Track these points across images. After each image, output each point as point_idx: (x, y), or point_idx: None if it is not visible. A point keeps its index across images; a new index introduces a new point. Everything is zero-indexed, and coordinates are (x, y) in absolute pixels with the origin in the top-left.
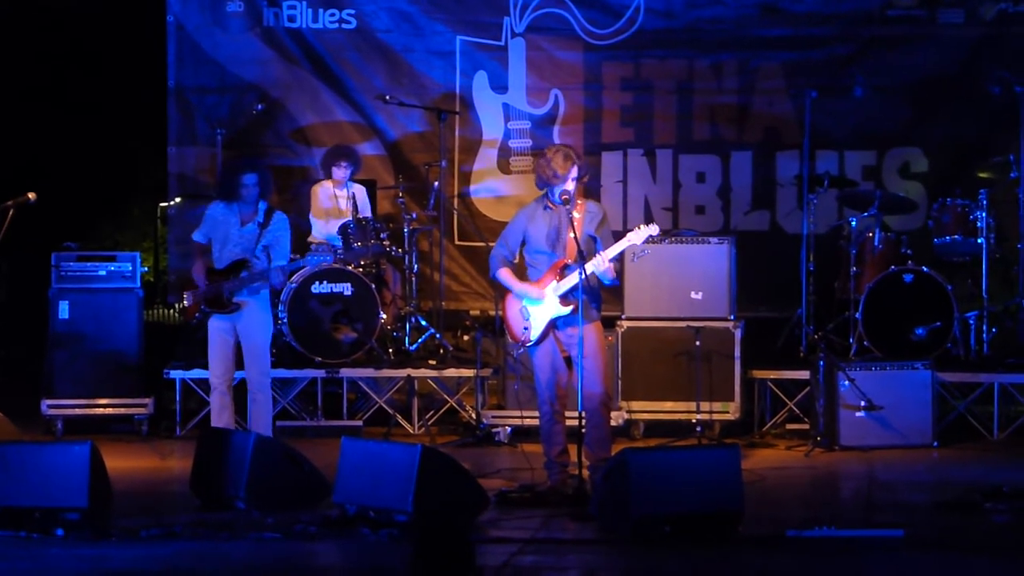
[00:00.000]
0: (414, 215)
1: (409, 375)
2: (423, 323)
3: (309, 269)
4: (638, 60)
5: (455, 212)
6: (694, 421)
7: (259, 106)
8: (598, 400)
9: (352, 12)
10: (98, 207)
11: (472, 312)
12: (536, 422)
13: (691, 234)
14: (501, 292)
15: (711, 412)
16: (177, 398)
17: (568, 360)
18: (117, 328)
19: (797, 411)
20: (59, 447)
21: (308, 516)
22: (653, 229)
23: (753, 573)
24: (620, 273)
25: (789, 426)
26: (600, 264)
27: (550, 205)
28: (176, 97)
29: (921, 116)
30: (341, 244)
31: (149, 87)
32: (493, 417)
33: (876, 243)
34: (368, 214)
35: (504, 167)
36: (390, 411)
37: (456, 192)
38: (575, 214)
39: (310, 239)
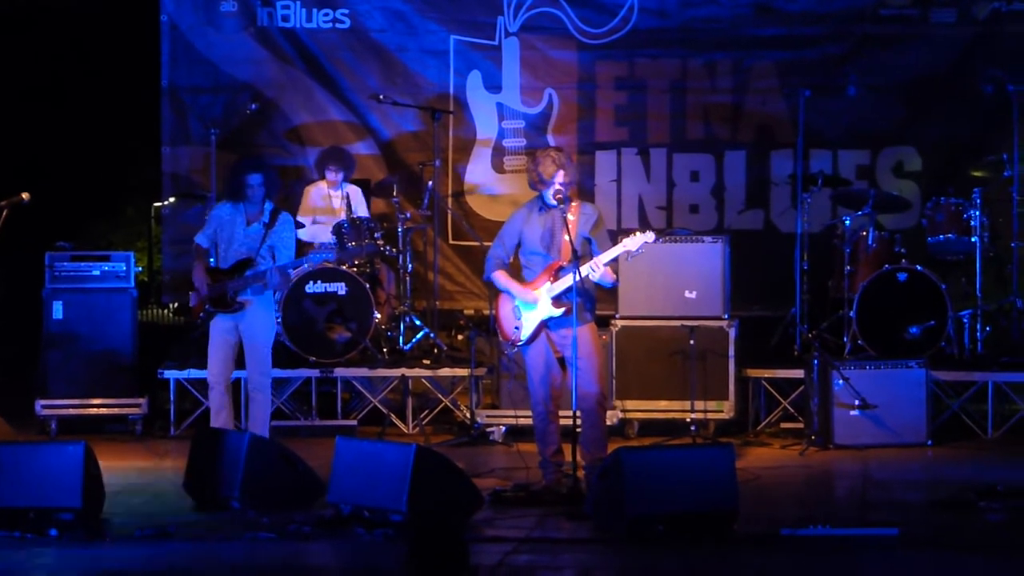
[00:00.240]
0: (408, 214)
1: (403, 375)
2: (417, 322)
3: (304, 269)
4: (632, 59)
5: (449, 211)
6: (688, 420)
7: (253, 106)
8: (594, 400)
9: (346, 12)
10: (91, 207)
11: (466, 311)
12: (530, 421)
13: (685, 233)
14: (495, 291)
15: (705, 411)
16: (171, 398)
17: (561, 361)
18: (111, 328)
19: (791, 410)
20: (53, 447)
21: (302, 516)
22: (649, 236)
23: (748, 572)
24: (616, 273)
25: (783, 425)
26: (595, 269)
27: (545, 206)
28: (170, 97)
29: (915, 115)
30: (336, 244)
31: (143, 87)
32: (487, 416)
33: (870, 242)
34: (363, 214)
35: (498, 166)
36: (384, 411)
37: (451, 191)
38: (569, 216)
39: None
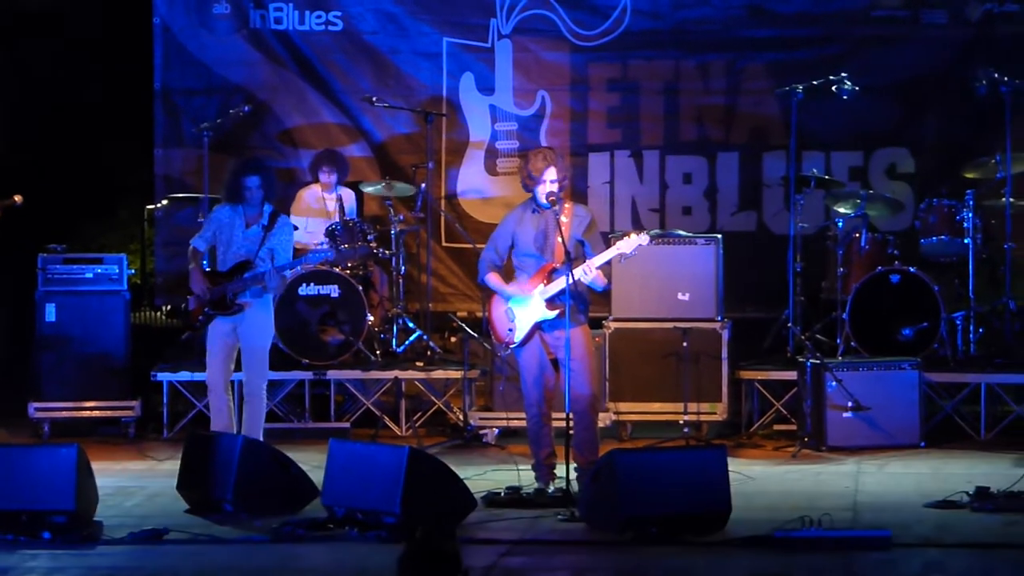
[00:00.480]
0: (401, 217)
1: (396, 377)
2: (410, 325)
3: (299, 272)
4: (625, 61)
5: (442, 214)
6: (682, 422)
7: (246, 108)
8: (586, 402)
9: (339, 14)
10: (84, 209)
11: (459, 313)
12: (523, 424)
13: (678, 235)
14: (488, 293)
15: (699, 413)
16: (164, 400)
17: (555, 363)
18: (104, 331)
19: (784, 412)
20: (46, 450)
21: (295, 519)
22: (643, 238)
23: (741, 574)
24: (608, 275)
25: (776, 427)
26: (587, 272)
27: (538, 208)
28: (162, 99)
29: (908, 116)
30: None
31: (136, 89)
32: (481, 419)
33: (863, 244)
34: (356, 216)
35: (491, 169)
36: (378, 413)
37: (444, 194)
38: (563, 218)
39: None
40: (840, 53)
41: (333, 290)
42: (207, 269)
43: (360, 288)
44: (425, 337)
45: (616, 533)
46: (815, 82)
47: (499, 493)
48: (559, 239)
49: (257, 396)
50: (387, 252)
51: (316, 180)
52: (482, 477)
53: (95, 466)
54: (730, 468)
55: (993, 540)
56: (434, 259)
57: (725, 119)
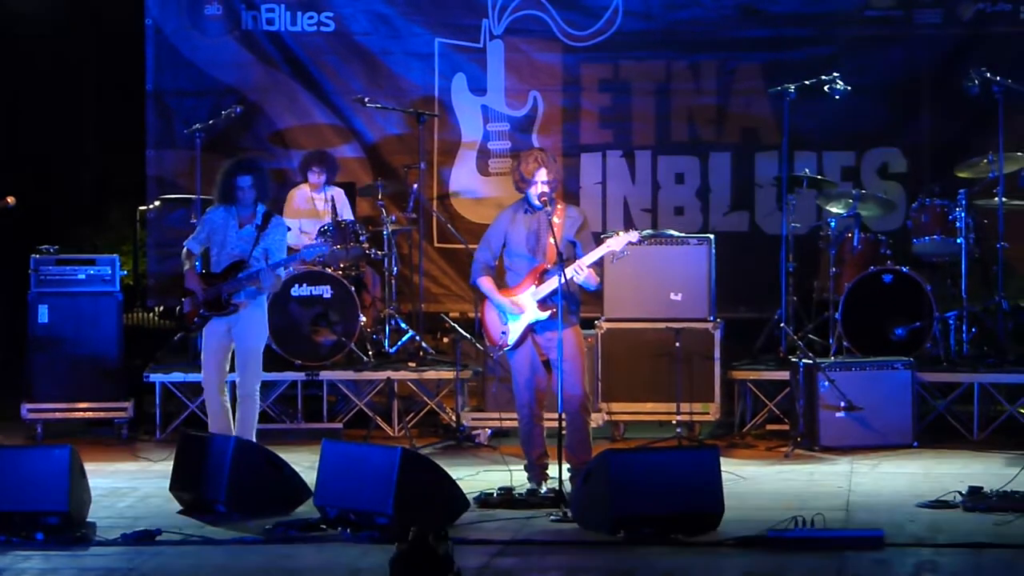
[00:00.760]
0: (393, 217)
1: (389, 377)
2: (403, 325)
3: (291, 271)
4: (616, 61)
5: (434, 214)
6: (674, 422)
7: (238, 109)
8: (578, 403)
9: (330, 15)
10: (76, 210)
11: (451, 314)
12: (516, 424)
13: (670, 235)
14: (480, 295)
15: (691, 413)
16: (157, 401)
17: (547, 363)
18: (97, 332)
19: (777, 412)
20: (39, 451)
21: (288, 519)
22: (632, 236)
23: (734, 574)
24: (600, 276)
25: (769, 427)
26: (579, 271)
27: (530, 209)
28: (154, 100)
29: (900, 116)
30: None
31: (127, 90)
32: (473, 419)
33: (855, 243)
34: (348, 217)
35: (483, 169)
36: (370, 413)
37: (436, 194)
38: (555, 219)
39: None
40: (832, 53)
41: (325, 291)
42: (201, 271)
43: (352, 289)
44: (417, 338)
45: (609, 533)
46: (807, 82)
47: (492, 494)
48: (551, 240)
49: (251, 397)
50: (379, 253)
51: (305, 180)
52: (474, 478)
53: (88, 467)
54: (723, 468)
55: (986, 540)
56: (426, 260)
57: (717, 119)
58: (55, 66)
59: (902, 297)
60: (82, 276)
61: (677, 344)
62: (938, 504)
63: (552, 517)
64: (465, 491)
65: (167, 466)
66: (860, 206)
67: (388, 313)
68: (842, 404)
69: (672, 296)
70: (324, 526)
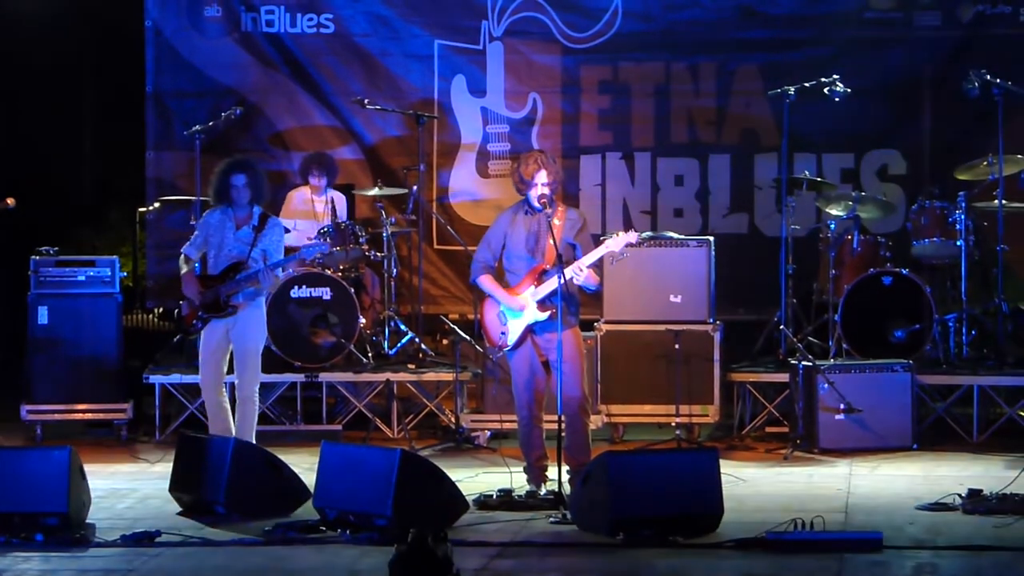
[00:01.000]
0: (393, 219)
1: (388, 379)
2: (402, 327)
3: (291, 272)
4: (616, 63)
5: (434, 216)
6: (673, 424)
7: (237, 110)
8: (577, 405)
9: (330, 16)
10: (75, 212)
11: (451, 316)
12: (515, 426)
13: (670, 237)
14: (480, 296)
15: (691, 415)
16: (156, 403)
17: (546, 365)
18: (96, 333)
19: (776, 414)
20: (38, 453)
21: (287, 521)
22: (632, 236)
23: (732, 575)
24: (600, 277)
25: (768, 429)
26: (578, 272)
27: (530, 210)
28: (154, 102)
29: (899, 118)
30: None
31: (127, 92)
32: (472, 421)
33: (855, 245)
34: (346, 220)
35: (483, 171)
36: (369, 415)
37: (435, 196)
38: (555, 220)
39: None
40: (831, 55)
41: (325, 292)
42: (198, 273)
43: (352, 291)
44: (417, 339)
45: (608, 535)
46: (807, 84)
47: (491, 495)
48: (551, 241)
49: (250, 399)
50: (379, 255)
51: (306, 182)
52: (474, 479)
53: (87, 468)
54: (722, 470)
55: (985, 542)
56: (425, 261)
57: (716, 121)
58: (55, 67)
59: (902, 299)
60: (82, 278)
61: (676, 346)
62: (937, 506)
63: (551, 519)
64: (464, 493)
65: (166, 467)
66: (860, 208)
67: (387, 315)
68: (841, 406)
69: (671, 298)
70: (323, 528)
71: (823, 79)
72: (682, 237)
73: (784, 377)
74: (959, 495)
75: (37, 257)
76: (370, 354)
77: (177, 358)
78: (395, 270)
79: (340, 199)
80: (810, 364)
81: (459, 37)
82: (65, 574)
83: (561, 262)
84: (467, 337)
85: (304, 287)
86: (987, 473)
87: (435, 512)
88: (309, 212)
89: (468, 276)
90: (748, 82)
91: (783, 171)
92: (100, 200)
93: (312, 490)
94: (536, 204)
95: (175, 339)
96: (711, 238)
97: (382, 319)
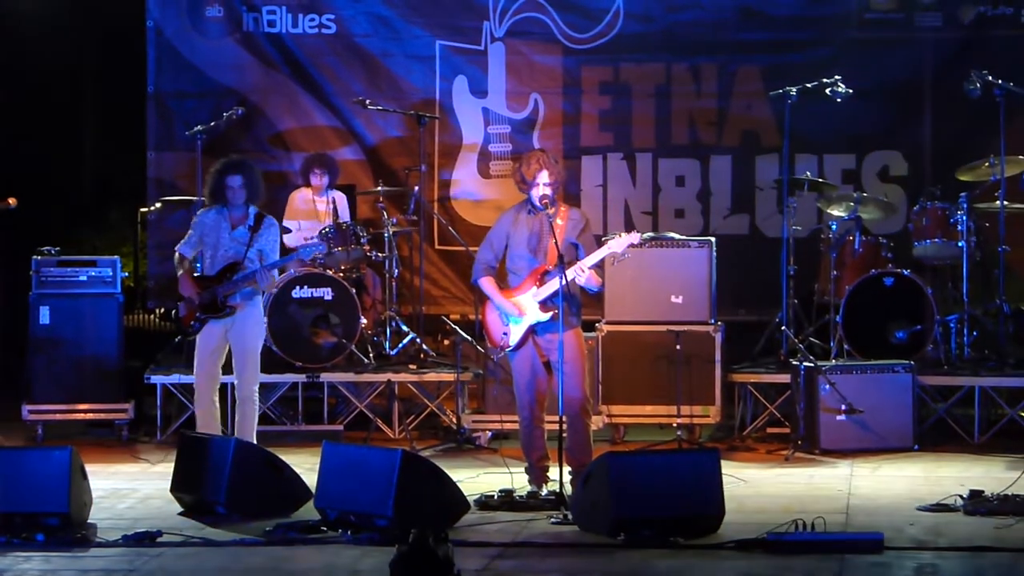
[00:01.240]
0: (394, 219)
1: (389, 380)
2: (403, 327)
3: (291, 273)
4: (617, 64)
5: (435, 216)
6: (675, 425)
7: (239, 110)
8: (578, 406)
9: (331, 17)
10: (77, 212)
11: (452, 316)
12: (516, 426)
13: (671, 238)
14: (481, 296)
15: (692, 416)
16: (158, 403)
17: (548, 365)
18: (97, 333)
19: (778, 415)
20: (40, 453)
21: (288, 521)
22: (634, 237)
23: None
24: (601, 278)
25: (770, 430)
26: (580, 273)
27: (533, 210)
28: (155, 102)
29: (900, 119)
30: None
31: (128, 92)
32: (473, 421)
33: (856, 246)
34: (348, 219)
35: (484, 171)
36: (370, 416)
37: (436, 196)
38: (558, 220)
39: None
40: (833, 56)
41: (326, 293)
42: (198, 273)
43: (353, 291)
44: (418, 340)
45: (609, 536)
46: (808, 85)
47: (492, 496)
48: (552, 242)
49: (250, 399)
50: (380, 255)
51: (307, 182)
52: (475, 480)
53: (88, 468)
54: (723, 471)
55: (986, 543)
56: (427, 262)
57: (717, 122)
58: (56, 68)
59: (903, 300)
60: (83, 278)
61: (678, 347)
62: (938, 507)
63: (552, 519)
64: (465, 493)
65: (167, 467)
66: (861, 209)
67: (388, 315)
68: (843, 407)
69: (673, 299)
70: (324, 528)
71: (824, 80)
72: (683, 238)
73: (785, 378)
74: (960, 496)
75: (39, 257)
76: (371, 354)
77: (178, 358)
78: (396, 270)
79: (342, 199)
80: (811, 365)
81: (460, 38)
82: (66, 574)
83: (563, 263)
84: (468, 337)
85: (305, 287)
86: (988, 474)
87: (436, 512)
88: (311, 212)
89: (469, 277)
90: (749, 83)
91: (784, 172)
92: (101, 200)
93: (313, 490)
94: (538, 204)
95: (176, 339)
96: (712, 239)
97: (383, 319)
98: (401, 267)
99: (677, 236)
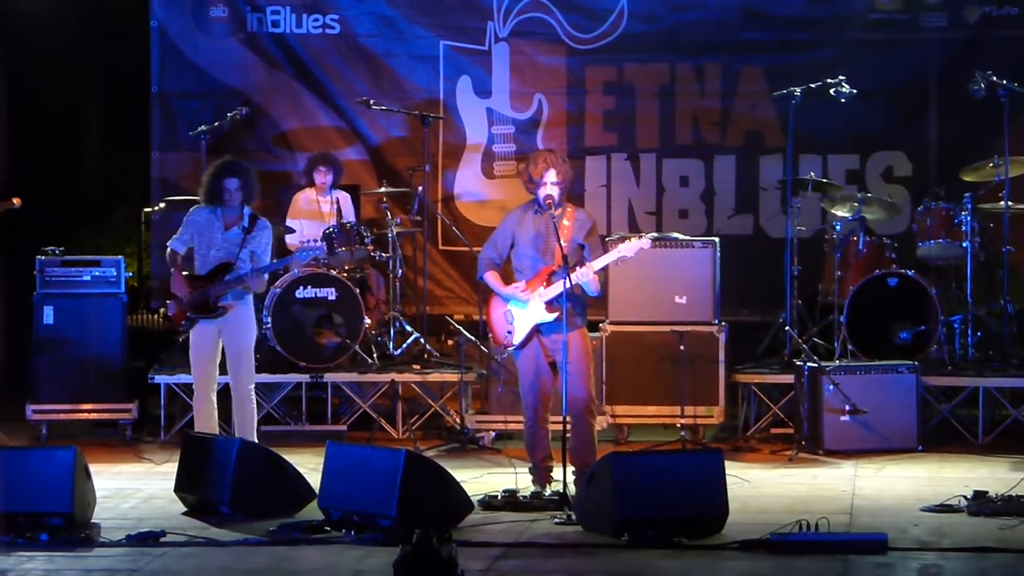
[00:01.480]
0: (398, 220)
1: (393, 380)
2: (407, 328)
3: (295, 273)
4: (621, 64)
5: (439, 217)
6: (678, 425)
7: (243, 111)
8: (582, 406)
9: (335, 17)
10: (80, 212)
11: (456, 316)
12: (520, 427)
13: (675, 238)
14: (485, 295)
15: (695, 416)
16: (162, 403)
17: (552, 365)
18: (101, 333)
19: (781, 415)
20: (43, 452)
21: (292, 521)
22: (645, 243)
23: None
24: (604, 282)
25: (773, 430)
26: (586, 274)
27: (540, 210)
28: (159, 102)
29: (905, 120)
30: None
31: (131, 92)
32: (477, 422)
33: (860, 247)
34: (352, 219)
35: (488, 172)
36: (374, 416)
37: (440, 197)
38: (565, 221)
39: (289, 246)
40: (837, 56)
41: (330, 293)
42: (186, 272)
43: (357, 291)
44: (422, 340)
45: (612, 536)
46: (812, 85)
47: (496, 496)
48: (558, 242)
49: (247, 398)
50: (384, 255)
51: (311, 182)
52: (478, 480)
53: (92, 468)
54: (727, 471)
55: (990, 544)
56: (431, 262)
57: (721, 122)
58: (60, 67)
59: (907, 301)
60: (87, 278)
61: (681, 347)
62: (942, 508)
63: (556, 520)
64: (469, 493)
65: (171, 467)
66: (865, 209)
67: (392, 315)
68: (846, 408)
69: (676, 299)
70: (328, 528)
71: (828, 80)
72: (687, 238)
73: (789, 378)
74: (964, 497)
75: (43, 257)
76: (375, 354)
77: (182, 358)
78: (400, 271)
79: (346, 198)
80: (815, 365)
81: (464, 38)
82: (69, 574)
83: (567, 263)
84: (472, 338)
85: (309, 287)
86: (992, 475)
87: (440, 513)
88: (314, 213)
89: (473, 277)
90: (753, 83)
91: (788, 172)
92: (105, 200)
93: (317, 490)
94: (544, 204)
95: (180, 339)
96: (716, 239)
97: (387, 319)
98: (405, 267)
99: (681, 236)
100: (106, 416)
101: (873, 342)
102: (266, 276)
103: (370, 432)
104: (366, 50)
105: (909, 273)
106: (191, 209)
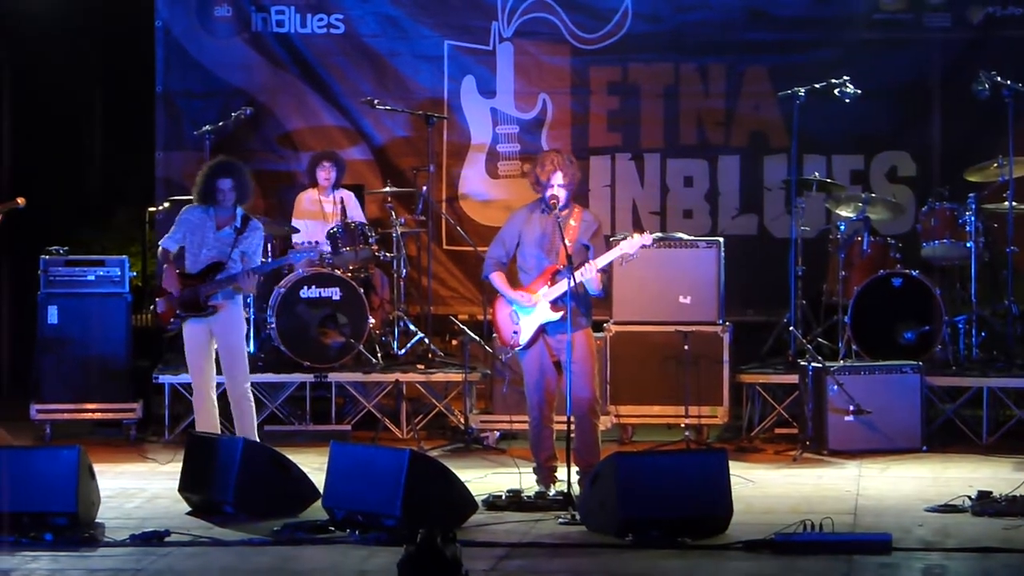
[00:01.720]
0: (402, 219)
1: (397, 380)
2: (411, 327)
3: (299, 272)
4: (625, 64)
5: (443, 216)
6: (683, 425)
7: (247, 110)
8: (587, 406)
9: (340, 17)
10: (84, 212)
11: (460, 316)
12: (525, 427)
13: (679, 238)
14: (491, 295)
15: (700, 416)
16: (166, 403)
17: (557, 365)
18: (105, 333)
19: (786, 415)
20: (47, 452)
21: (296, 521)
22: (646, 239)
23: None
24: (608, 283)
25: (778, 430)
26: (589, 271)
27: (546, 209)
28: (164, 102)
29: (909, 120)
30: (330, 248)
31: (136, 91)
32: (481, 422)
33: (865, 247)
34: (359, 219)
35: (492, 172)
36: (378, 416)
37: (445, 197)
38: (572, 221)
39: (294, 245)
40: (841, 56)
41: (334, 293)
42: (177, 271)
43: (361, 291)
44: (426, 340)
45: (616, 536)
46: (816, 85)
47: (500, 496)
48: (563, 242)
49: (244, 397)
50: (388, 255)
51: (314, 180)
52: (483, 480)
53: (96, 468)
54: (731, 471)
55: (994, 545)
56: (435, 262)
57: (725, 122)
58: (64, 67)
59: (911, 301)
60: (91, 277)
61: (686, 347)
62: (946, 508)
63: (560, 520)
64: (473, 493)
65: (175, 467)
66: (869, 209)
67: (397, 315)
68: (851, 408)
69: (681, 299)
70: (332, 528)
71: (833, 80)
72: (691, 238)
73: (793, 378)
74: (968, 497)
75: (47, 257)
76: (379, 354)
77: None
78: (404, 270)
79: (350, 197)
80: (819, 365)
81: (469, 38)
82: (74, 574)
83: (571, 263)
84: (476, 338)
85: (313, 287)
86: (996, 475)
87: (444, 512)
88: (317, 213)
89: (477, 277)
90: (757, 83)
91: (793, 172)
92: (109, 200)
93: (321, 490)
94: (550, 204)
95: (167, 337)
96: (720, 239)
97: (391, 319)
98: (409, 267)
99: (685, 236)
100: (110, 416)
101: (877, 342)
102: (258, 277)
103: (374, 432)
104: (370, 50)
105: (913, 273)
106: (184, 208)
